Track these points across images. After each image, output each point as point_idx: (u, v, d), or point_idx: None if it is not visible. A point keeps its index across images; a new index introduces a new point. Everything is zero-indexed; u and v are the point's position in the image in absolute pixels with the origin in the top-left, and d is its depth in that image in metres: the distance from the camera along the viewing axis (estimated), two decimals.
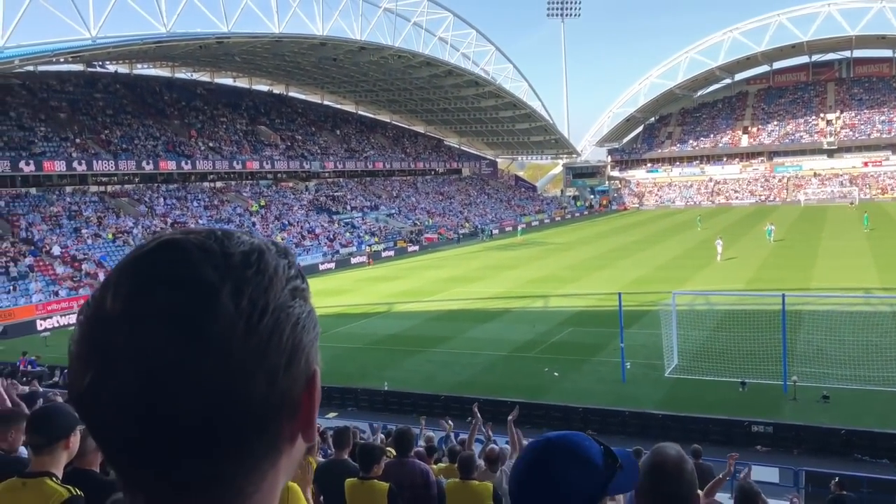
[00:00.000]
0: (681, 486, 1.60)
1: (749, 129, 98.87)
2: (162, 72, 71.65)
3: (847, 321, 23.18)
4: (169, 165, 56.72)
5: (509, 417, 8.37)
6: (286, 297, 0.76)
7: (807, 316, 24.13)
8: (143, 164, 54.51)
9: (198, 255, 0.74)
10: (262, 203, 60.55)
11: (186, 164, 58.31)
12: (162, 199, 54.91)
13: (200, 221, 53.31)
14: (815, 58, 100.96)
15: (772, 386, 19.09)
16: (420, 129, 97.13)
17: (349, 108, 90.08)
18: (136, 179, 56.27)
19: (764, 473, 13.77)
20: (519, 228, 69.13)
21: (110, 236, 46.01)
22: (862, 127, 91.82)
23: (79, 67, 62.57)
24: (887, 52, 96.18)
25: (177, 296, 0.71)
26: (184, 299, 0.71)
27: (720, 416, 17.37)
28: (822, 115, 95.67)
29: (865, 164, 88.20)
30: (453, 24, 74.86)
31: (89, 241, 44.47)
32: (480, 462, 7.97)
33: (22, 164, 46.37)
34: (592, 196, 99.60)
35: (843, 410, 17.49)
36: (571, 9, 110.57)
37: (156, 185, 57.01)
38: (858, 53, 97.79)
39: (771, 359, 19.59)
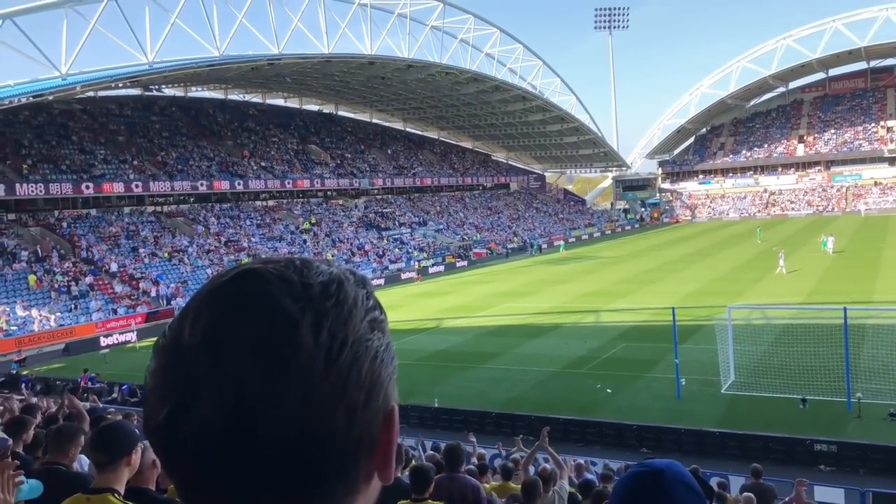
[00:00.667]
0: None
1: (805, 137, 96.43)
2: (215, 94, 73.62)
3: None
4: (222, 185, 58.11)
5: (545, 434, 8.43)
6: (365, 329, 0.74)
7: (870, 330, 23.33)
8: (198, 184, 55.98)
9: (277, 286, 0.72)
10: (313, 220, 61.42)
11: (239, 183, 59.64)
12: (216, 219, 56.16)
13: (253, 240, 54.34)
14: (872, 63, 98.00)
15: (834, 403, 18.43)
16: (467, 144, 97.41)
17: (397, 125, 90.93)
18: (191, 199, 57.76)
19: (829, 494, 13.30)
20: (561, 244, 66.32)
21: (166, 255, 47.20)
22: None
23: (136, 92, 64.71)
24: None
25: (257, 327, 0.69)
26: (264, 331, 0.69)
27: (781, 434, 16.78)
28: (881, 122, 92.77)
29: None
30: (500, 40, 75.02)
31: (146, 260, 45.68)
32: None
33: (83, 186, 48.09)
34: (643, 209, 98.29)
35: None
36: (619, 21, 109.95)
37: (210, 204, 58.38)
38: None
39: (833, 375, 18.92)
